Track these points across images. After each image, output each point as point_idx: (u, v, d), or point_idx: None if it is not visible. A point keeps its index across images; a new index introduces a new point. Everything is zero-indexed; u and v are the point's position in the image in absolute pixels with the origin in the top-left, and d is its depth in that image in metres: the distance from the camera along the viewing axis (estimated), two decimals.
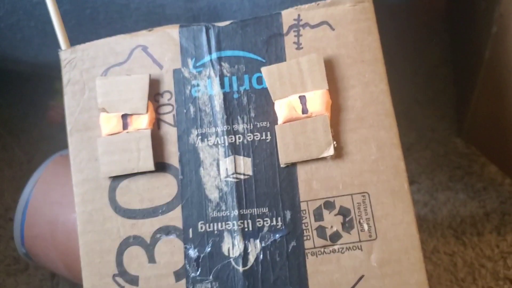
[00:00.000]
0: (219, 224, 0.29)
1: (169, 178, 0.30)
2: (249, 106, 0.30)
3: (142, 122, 0.30)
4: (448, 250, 0.51)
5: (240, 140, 0.30)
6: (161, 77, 0.31)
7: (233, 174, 0.30)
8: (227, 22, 0.31)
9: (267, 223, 0.29)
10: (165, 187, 0.30)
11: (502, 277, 0.49)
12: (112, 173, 0.30)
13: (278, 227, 0.29)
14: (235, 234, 0.29)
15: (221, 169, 0.30)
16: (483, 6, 0.51)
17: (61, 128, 0.60)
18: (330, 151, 0.29)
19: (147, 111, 0.30)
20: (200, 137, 0.30)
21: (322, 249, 0.29)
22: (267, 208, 0.29)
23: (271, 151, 0.30)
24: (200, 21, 0.34)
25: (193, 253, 0.29)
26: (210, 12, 0.38)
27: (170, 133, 0.31)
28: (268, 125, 0.30)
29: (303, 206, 0.29)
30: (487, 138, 0.56)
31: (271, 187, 0.29)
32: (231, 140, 0.30)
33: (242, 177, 0.30)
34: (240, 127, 0.30)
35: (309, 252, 0.29)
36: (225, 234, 0.29)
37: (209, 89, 0.31)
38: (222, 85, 0.31)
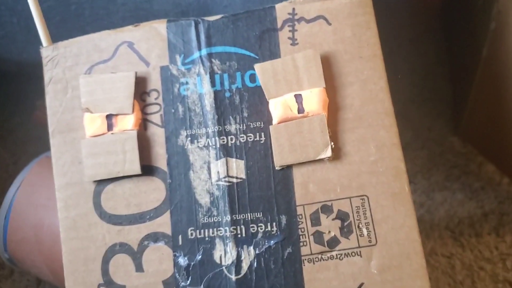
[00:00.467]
0: (211, 230, 0.28)
1: (157, 182, 0.29)
2: (242, 106, 0.29)
3: (127, 122, 0.29)
4: (446, 252, 0.50)
5: (233, 142, 0.28)
6: (148, 74, 0.29)
7: (225, 177, 0.28)
8: (218, 17, 0.30)
9: (261, 229, 0.28)
10: (153, 192, 0.28)
11: (502, 280, 0.48)
12: (97, 177, 0.28)
13: (273, 232, 0.27)
14: (227, 241, 0.28)
15: (212, 172, 0.28)
16: (480, 2, 0.49)
17: (47, 129, 0.58)
18: (328, 153, 0.27)
19: (133, 111, 0.29)
20: (189, 138, 0.29)
21: (319, 256, 0.27)
22: (261, 213, 0.28)
23: (265, 152, 0.28)
24: (189, 17, 0.33)
25: (183, 261, 0.28)
26: (200, 7, 0.36)
27: (157, 134, 0.29)
28: (262, 125, 0.28)
29: (299, 210, 0.27)
30: (484, 137, 0.55)
31: (265, 190, 0.28)
32: (223, 141, 0.28)
33: (234, 180, 0.28)
34: (232, 127, 0.29)
35: (305, 259, 0.27)
36: (217, 240, 0.28)
37: (199, 87, 0.29)
38: (212, 83, 0.29)
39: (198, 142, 0.29)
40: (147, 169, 0.29)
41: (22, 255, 0.42)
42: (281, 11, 0.29)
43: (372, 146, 0.27)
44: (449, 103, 0.62)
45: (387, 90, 0.28)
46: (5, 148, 0.59)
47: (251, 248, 0.27)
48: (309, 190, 0.28)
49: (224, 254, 0.27)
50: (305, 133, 0.27)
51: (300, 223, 0.27)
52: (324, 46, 0.29)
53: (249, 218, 0.28)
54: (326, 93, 0.28)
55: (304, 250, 0.27)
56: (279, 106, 0.28)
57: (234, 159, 0.28)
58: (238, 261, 0.27)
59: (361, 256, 0.27)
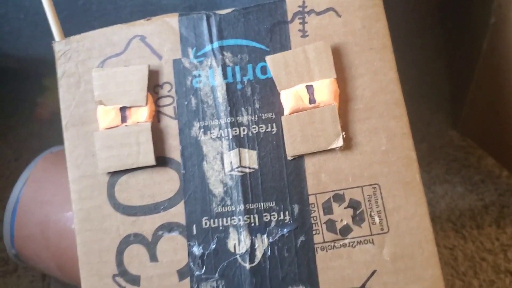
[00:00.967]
0: (224, 219, 0.28)
1: (171, 172, 0.29)
2: (254, 97, 0.29)
3: (141, 114, 0.29)
4: (448, 244, 0.51)
5: (245, 133, 0.29)
6: (161, 68, 0.30)
7: (238, 167, 0.29)
8: (229, 10, 0.30)
9: (274, 218, 0.28)
10: (167, 182, 0.29)
11: (503, 270, 0.48)
12: (111, 169, 0.29)
13: (286, 221, 0.28)
14: (241, 230, 0.28)
15: (225, 162, 0.29)
16: None
17: (49, 125, 0.59)
18: (339, 142, 0.28)
19: (146, 103, 0.29)
20: (202, 129, 0.29)
21: (332, 244, 0.27)
22: (274, 202, 0.28)
23: (277, 143, 0.29)
24: (198, 11, 0.33)
25: (197, 250, 0.28)
26: (208, 2, 0.37)
27: (170, 126, 0.29)
28: (274, 116, 0.29)
29: (311, 199, 0.28)
30: (484, 130, 0.56)
31: (278, 180, 0.28)
32: (235, 132, 0.29)
33: (247, 170, 0.29)
34: (244, 119, 0.29)
35: (318, 247, 0.28)
36: (231, 230, 0.28)
37: (211, 80, 0.29)
38: (224, 76, 0.29)
39: (211, 133, 0.29)
40: (161, 160, 0.29)
41: (29, 251, 0.42)
42: (292, 4, 0.30)
43: (383, 136, 0.28)
44: (447, 98, 0.63)
45: (397, 80, 0.28)
46: (6, 145, 0.59)
47: (265, 236, 0.28)
48: (321, 179, 0.28)
49: (238, 242, 0.28)
50: (316, 123, 0.28)
51: (312, 211, 0.28)
52: (334, 38, 0.29)
53: (262, 207, 0.28)
54: (337, 84, 0.28)
55: (317, 238, 0.28)
56: (290, 97, 0.28)
57: (246, 150, 0.29)
58: (252, 250, 0.28)
59: (373, 244, 0.27)
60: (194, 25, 0.30)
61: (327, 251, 0.27)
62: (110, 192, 0.29)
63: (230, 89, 0.29)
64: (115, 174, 0.29)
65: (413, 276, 0.27)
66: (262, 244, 0.28)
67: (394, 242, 0.27)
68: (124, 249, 0.28)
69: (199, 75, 0.30)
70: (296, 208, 0.28)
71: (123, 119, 0.29)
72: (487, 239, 0.51)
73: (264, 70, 0.29)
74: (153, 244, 0.28)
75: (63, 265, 0.41)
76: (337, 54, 0.29)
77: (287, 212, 0.28)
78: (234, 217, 0.28)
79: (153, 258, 0.28)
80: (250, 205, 0.28)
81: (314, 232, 0.28)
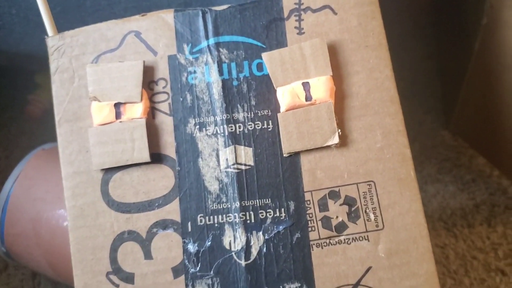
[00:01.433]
0: (220, 216, 0.28)
1: (166, 169, 0.29)
2: (250, 94, 0.29)
3: (136, 111, 0.29)
4: (439, 242, 0.51)
5: (241, 129, 0.29)
6: (156, 63, 0.30)
7: (233, 164, 0.28)
8: (225, 6, 0.30)
9: (270, 215, 0.28)
10: (162, 179, 0.29)
11: (494, 269, 0.49)
12: (105, 165, 0.29)
13: (281, 218, 0.28)
14: (236, 227, 0.28)
15: (221, 159, 0.29)
16: None
17: (40, 123, 0.58)
18: (335, 140, 0.28)
19: (141, 100, 0.29)
20: (198, 126, 0.29)
21: (327, 240, 0.28)
22: (269, 199, 0.28)
23: (273, 140, 0.29)
24: (192, 7, 0.33)
25: (192, 247, 0.28)
26: None
27: (166, 122, 0.29)
28: (270, 113, 0.29)
29: (307, 196, 0.28)
30: (475, 130, 0.56)
31: (273, 177, 0.28)
32: (231, 129, 0.29)
33: (243, 167, 0.28)
34: (240, 115, 0.29)
35: (314, 244, 0.28)
36: (226, 227, 0.28)
37: (207, 76, 0.29)
38: (220, 72, 0.29)
39: (206, 130, 0.29)
40: (156, 157, 0.29)
41: (20, 248, 0.41)
42: (288, 1, 0.30)
43: (379, 133, 0.28)
44: (438, 98, 0.63)
45: (393, 78, 0.29)
46: None
47: (260, 233, 0.28)
48: (317, 176, 0.28)
49: (234, 240, 0.28)
50: (312, 120, 0.28)
51: (308, 208, 0.28)
52: (330, 35, 0.29)
53: (258, 204, 0.28)
54: (333, 81, 0.28)
55: (313, 235, 0.28)
56: (287, 94, 0.28)
57: (242, 147, 0.29)
58: (247, 247, 0.28)
59: (368, 241, 0.27)
60: (190, 21, 0.30)
61: (322, 248, 0.27)
62: (104, 188, 0.29)
63: (226, 85, 0.29)
64: (109, 171, 0.29)
65: (408, 272, 0.27)
66: (257, 241, 0.28)
67: (389, 238, 0.27)
68: (118, 246, 0.28)
69: (195, 72, 0.29)
70: (291, 205, 0.28)
71: (118, 115, 0.29)
72: (478, 237, 0.51)
73: (260, 67, 0.29)
74: (148, 241, 0.28)
75: (55, 263, 0.41)
76: (333, 51, 0.29)
77: (282, 209, 0.28)
78: (230, 214, 0.28)
79: (148, 255, 0.28)
80: (246, 202, 0.28)
81: (309, 229, 0.28)
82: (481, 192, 0.55)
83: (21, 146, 0.57)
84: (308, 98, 0.28)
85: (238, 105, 0.29)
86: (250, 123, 0.29)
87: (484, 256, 0.50)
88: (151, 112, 0.29)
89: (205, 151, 0.29)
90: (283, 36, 0.29)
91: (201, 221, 0.28)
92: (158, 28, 0.30)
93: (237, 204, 0.28)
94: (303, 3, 0.29)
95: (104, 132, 0.29)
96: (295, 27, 0.29)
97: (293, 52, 0.28)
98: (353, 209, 0.28)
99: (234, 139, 0.29)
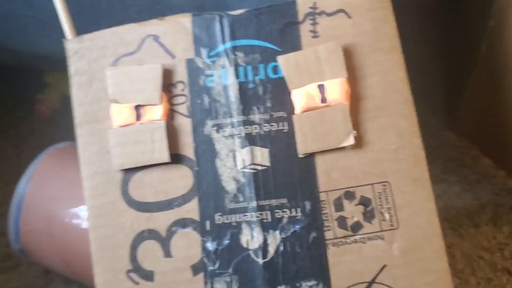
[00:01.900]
0: (237, 215, 0.29)
1: (184, 169, 0.29)
2: (265, 96, 0.30)
3: (155, 113, 0.30)
4: (446, 242, 0.51)
5: (257, 131, 0.29)
6: (174, 67, 0.30)
7: (250, 165, 0.29)
8: (241, 11, 0.31)
9: (286, 214, 0.29)
10: (180, 179, 0.29)
11: (500, 268, 0.49)
12: (125, 166, 0.29)
13: (297, 218, 0.29)
14: (253, 226, 0.29)
15: (237, 160, 0.29)
16: (478, 0, 0.51)
17: (50, 122, 0.59)
18: (350, 141, 0.28)
19: (161, 102, 0.30)
20: (215, 128, 0.30)
21: (343, 240, 0.28)
22: (286, 199, 0.29)
23: (289, 141, 0.29)
24: (206, 11, 0.33)
25: (211, 245, 0.29)
26: (217, 2, 0.37)
27: (184, 124, 0.30)
28: (285, 115, 0.30)
29: (322, 196, 0.29)
30: (480, 131, 0.57)
31: (289, 177, 0.29)
32: (247, 130, 0.29)
33: (259, 168, 0.29)
34: (256, 117, 0.30)
35: (330, 243, 0.28)
36: (244, 225, 0.29)
37: (224, 79, 0.30)
38: (237, 75, 0.30)
39: (223, 131, 0.30)
40: (175, 158, 0.29)
41: (34, 246, 0.42)
42: (303, 5, 0.30)
43: (393, 134, 0.29)
44: (442, 99, 0.64)
45: (406, 80, 0.29)
46: (7, 142, 0.59)
47: (277, 232, 0.28)
48: (332, 177, 0.29)
49: (251, 238, 0.28)
50: (328, 122, 0.29)
51: (324, 208, 0.29)
52: (344, 39, 0.30)
53: (275, 204, 0.29)
54: (348, 84, 0.29)
55: (328, 234, 0.28)
56: (302, 96, 0.29)
57: (258, 148, 0.29)
58: (264, 245, 0.28)
59: (383, 240, 0.28)
60: (207, 26, 0.31)
61: (338, 247, 0.28)
62: (124, 188, 0.29)
63: (242, 88, 0.30)
64: (129, 171, 0.30)
65: (422, 269, 0.28)
66: (274, 239, 0.28)
67: (403, 237, 0.28)
68: (138, 244, 0.29)
69: (212, 75, 0.30)
70: (307, 205, 0.29)
71: (138, 117, 0.29)
72: (484, 237, 0.52)
73: (275, 69, 0.30)
74: (167, 239, 0.29)
75: (68, 260, 0.41)
76: (347, 54, 0.30)
77: (299, 209, 0.29)
78: (247, 213, 0.29)
79: (167, 253, 0.29)
80: (263, 201, 0.29)
81: (325, 228, 0.28)
82: (486, 192, 0.55)
83: (31, 145, 0.58)
84: (323, 100, 0.29)
85: (254, 107, 0.30)
86: (266, 124, 0.30)
87: (490, 255, 0.50)
88: (170, 114, 0.30)
89: (222, 151, 0.29)
90: (298, 39, 0.30)
91: (219, 220, 0.29)
92: (176, 32, 0.31)
93: (254, 203, 0.29)
94: (318, 7, 0.30)
95: (124, 133, 0.29)
96: (310, 31, 0.30)
97: (308, 55, 0.29)
98: (368, 209, 0.28)
99: (251, 140, 0.29)
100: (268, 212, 0.29)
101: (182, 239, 0.29)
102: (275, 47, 0.30)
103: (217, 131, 0.30)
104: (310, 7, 0.30)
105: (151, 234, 0.29)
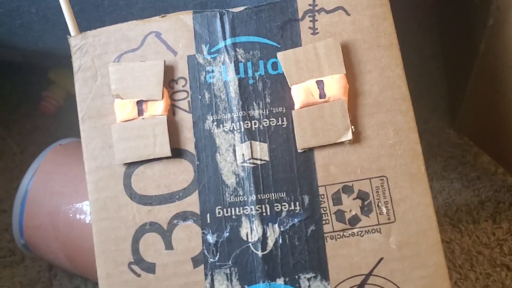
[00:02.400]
0: (237, 209, 0.29)
1: (185, 164, 0.30)
2: (265, 92, 0.30)
3: (157, 108, 0.30)
4: (445, 237, 0.52)
5: (256, 126, 0.30)
6: (175, 63, 0.31)
7: (249, 159, 0.30)
8: (241, 8, 0.31)
9: (285, 208, 0.29)
10: (182, 173, 0.30)
11: (499, 264, 0.50)
12: (128, 160, 0.30)
13: (296, 211, 0.29)
14: (253, 219, 0.29)
15: (237, 154, 0.30)
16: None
17: (54, 119, 0.59)
18: (348, 136, 0.29)
19: (162, 97, 0.30)
20: (215, 123, 0.30)
21: (341, 233, 0.29)
22: (285, 193, 0.29)
23: (288, 136, 0.30)
24: (208, 8, 0.34)
25: (211, 238, 0.29)
26: (218, 0, 0.38)
27: (185, 119, 0.30)
28: (284, 110, 0.30)
29: (321, 190, 0.29)
30: (480, 129, 0.57)
31: (288, 172, 0.29)
32: (247, 125, 0.30)
33: (259, 162, 0.30)
34: (255, 112, 0.30)
35: (328, 236, 0.29)
36: (243, 219, 0.29)
37: (224, 75, 0.31)
38: (237, 71, 0.30)
39: (223, 126, 0.30)
40: (176, 152, 0.30)
41: (38, 241, 0.43)
42: (302, 2, 0.31)
43: (391, 130, 0.29)
44: (444, 97, 0.64)
45: (404, 77, 0.30)
46: (12, 138, 0.59)
47: (276, 226, 0.29)
48: (331, 171, 0.29)
49: (250, 231, 0.29)
50: (326, 117, 0.29)
51: (322, 202, 0.29)
52: (343, 35, 0.30)
53: (274, 198, 0.29)
54: (346, 80, 0.29)
55: (327, 228, 0.29)
56: (301, 92, 0.29)
57: (258, 142, 0.30)
58: (264, 238, 0.29)
59: (380, 233, 0.29)
60: (208, 23, 0.31)
61: (336, 240, 0.29)
62: (127, 182, 0.30)
63: (242, 84, 0.30)
64: (132, 165, 0.30)
65: (418, 263, 0.28)
66: (273, 233, 0.29)
67: (400, 231, 0.28)
68: (140, 237, 0.30)
69: (213, 71, 0.31)
70: (306, 199, 0.29)
71: (140, 112, 0.30)
72: (483, 233, 0.52)
73: (275, 66, 0.30)
74: (169, 232, 0.29)
75: (72, 255, 0.42)
76: (346, 51, 0.30)
77: (297, 203, 0.29)
78: (246, 207, 0.29)
79: (168, 246, 0.29)
80: (262, 195, 0.29)
81: (323, 222, 0.29)
82: (486, 189, 0.56)
83: (36, 142, 0.58)
84: (322, 95, 0.29)
85: (254, 103, 0.30)
86: (265, 120, 0.30)
87: (490, 251, 0.51)
88: (172, 109, 0.31)
89: (222, 146, 0.30)
90: (297, 36, 0.31)
91: (219, 213, 0.29)
92: (177, 29, 0.31)
93: (253, 197, 0.29)
94: (317, 4, 0.31)
95: (127, 128, 0.30)
96: (309, 28, 0.30)
97: (307, 51, 0.30)
98: (366, 203, 0.29)
99: (250, 135, 0.30)
100: (267, 206, 0.29)
101: (183, 232, 0.29)
102: (275, 44, 0.31)
103: (218, 126, 0.30)
104: (310, 5, 0.31)
105: (152, 227, 0.29)
